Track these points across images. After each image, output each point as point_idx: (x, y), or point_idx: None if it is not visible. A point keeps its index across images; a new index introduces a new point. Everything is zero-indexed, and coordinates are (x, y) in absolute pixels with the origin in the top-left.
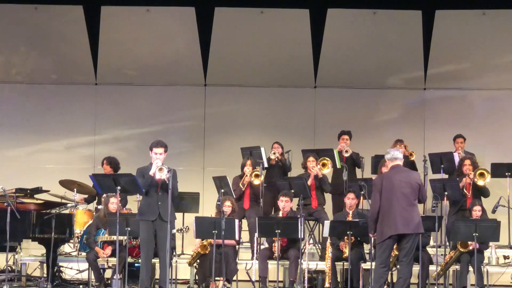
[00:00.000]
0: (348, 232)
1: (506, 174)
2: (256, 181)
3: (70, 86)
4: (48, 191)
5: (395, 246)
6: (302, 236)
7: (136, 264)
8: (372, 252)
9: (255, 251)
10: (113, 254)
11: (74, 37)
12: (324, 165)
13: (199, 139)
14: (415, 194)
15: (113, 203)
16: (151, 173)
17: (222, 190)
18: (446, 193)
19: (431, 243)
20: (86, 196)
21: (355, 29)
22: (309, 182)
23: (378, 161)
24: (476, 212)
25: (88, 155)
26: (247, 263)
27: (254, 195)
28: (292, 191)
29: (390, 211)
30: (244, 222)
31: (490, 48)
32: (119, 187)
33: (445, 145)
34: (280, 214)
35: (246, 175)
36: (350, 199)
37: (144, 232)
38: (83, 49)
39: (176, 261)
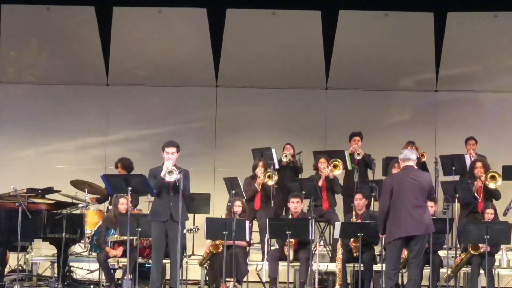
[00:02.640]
0: (358, 234)
1: None
2: (270, 182)
3: (81, 86)
4: (59, 191)
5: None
6: (312, 238)
7: (146, 265)
8: (383, 253)
9: (265, 252)
10: (123, 255)
11: (86, 38)
12: (335, 166)
13: (210, 140)
14: (425, 196)
15: (123, 203)
16: (161, 175)
17: (233, 191)
18: (457, 195)
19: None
20: (98, 195)
21: (366, 31)
22: (320, 183)
23: (389, 162)
24: (489, 215)
25: (99, 156)
26: (257, 264)
27: (265, 196)
28: (303, 192)
29: (399, 212)
30: (255, 223)
31: (502, 50)
32: (130, 188)
33: (456, 147)
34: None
35: (259, 177)
36: (357, 200)
37: (156, 232)
38: (94, 49)
39: (187, 262)
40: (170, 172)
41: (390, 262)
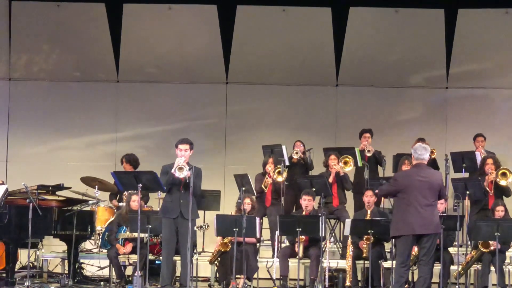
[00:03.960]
0: (369, 231)
1: None
2: (279, 178)
3: (92, 83)
4: (70, 188)
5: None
6: (323, 235)
7: (157, 262)
8: (393, 251)
9: (276, 249)
10: (134, 251)
11: (96, 35)
12: (346, 163)
13: (221, 137)
14: (435, 195)
15: (135, 200)
16: (172, 171)
17: (243, 188)
18: (468, 192)
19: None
20: (109, 192)
21: (377, 27)
22: (330, 180)
23: (399, 159)
24: (499, 212)
25: (109, 153)
26: (267, 261)
27: (275, 193)
28: (314, 189)
29: (408, 209)
30: (265, 220)
31: None
32: (140, 185)
33: (467, 144)
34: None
35: (268, 177)
36: (368, 197)
37: (166, 229)
38: (105, 46)
39: (197, 259)
40: (181, 169)
41: (400, 259)
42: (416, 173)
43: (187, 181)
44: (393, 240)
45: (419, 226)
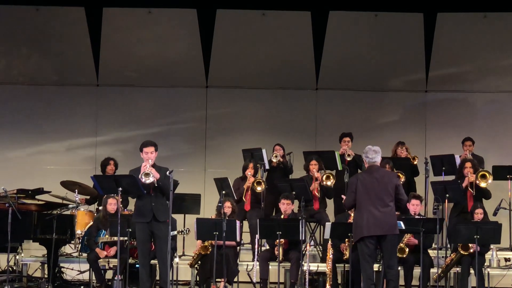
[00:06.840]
0: (349, 234)
1: (508, 176)
2: (259, 188)
3: (71, 87)
4: (49, 192)
5: None
6: (303, 238)
7: (137, 265)
8: None
9: (256, 253)
10: (114, 255)
11: (75, 39)
12: (328, 177)
13: (201, 140)
14: (390, 195)
15: (111, 204)
16: (139, 176)
17: (223, 192)
18: (447, 195)
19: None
20: (88, 196)
21: (356, 31)
22: (315, 191)
23: None
24: (478, 215)
25: (89, 157)
26: (248, 265)
27: (255, 197)
28: (294, 193)
29: (363, 212)
30: (245, 223)
31: (492, 50)
32: (120, 188)
33: (446, 147)
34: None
35: (249, 179)
36: None
37: (140, 233)
38: (84, 50)
39: (177, 262)
40: (147, 175)
41: (365, 262)
42: (370, 174)
43: (156, 184)
44: (356, 244)
45: (374, 227)
